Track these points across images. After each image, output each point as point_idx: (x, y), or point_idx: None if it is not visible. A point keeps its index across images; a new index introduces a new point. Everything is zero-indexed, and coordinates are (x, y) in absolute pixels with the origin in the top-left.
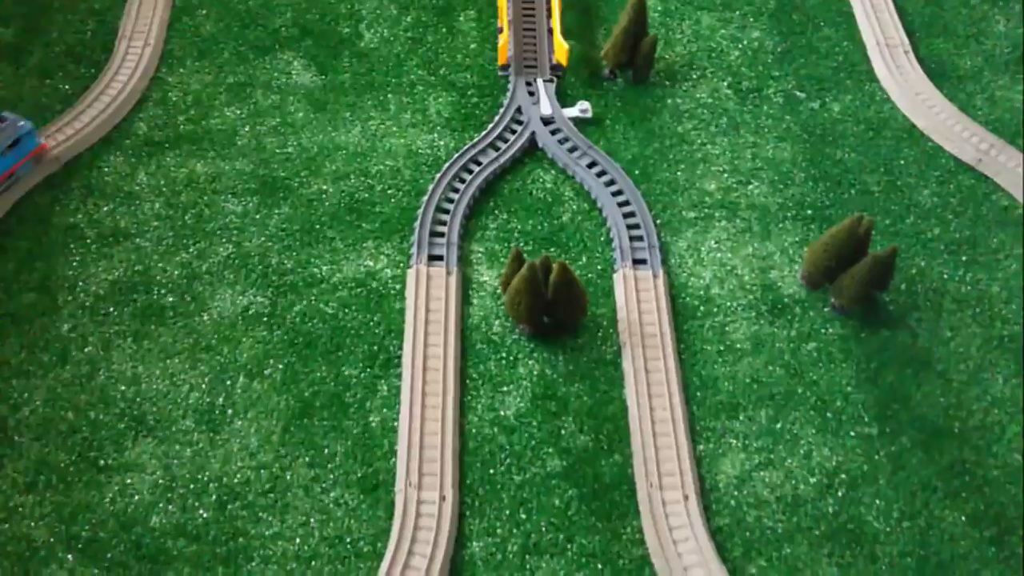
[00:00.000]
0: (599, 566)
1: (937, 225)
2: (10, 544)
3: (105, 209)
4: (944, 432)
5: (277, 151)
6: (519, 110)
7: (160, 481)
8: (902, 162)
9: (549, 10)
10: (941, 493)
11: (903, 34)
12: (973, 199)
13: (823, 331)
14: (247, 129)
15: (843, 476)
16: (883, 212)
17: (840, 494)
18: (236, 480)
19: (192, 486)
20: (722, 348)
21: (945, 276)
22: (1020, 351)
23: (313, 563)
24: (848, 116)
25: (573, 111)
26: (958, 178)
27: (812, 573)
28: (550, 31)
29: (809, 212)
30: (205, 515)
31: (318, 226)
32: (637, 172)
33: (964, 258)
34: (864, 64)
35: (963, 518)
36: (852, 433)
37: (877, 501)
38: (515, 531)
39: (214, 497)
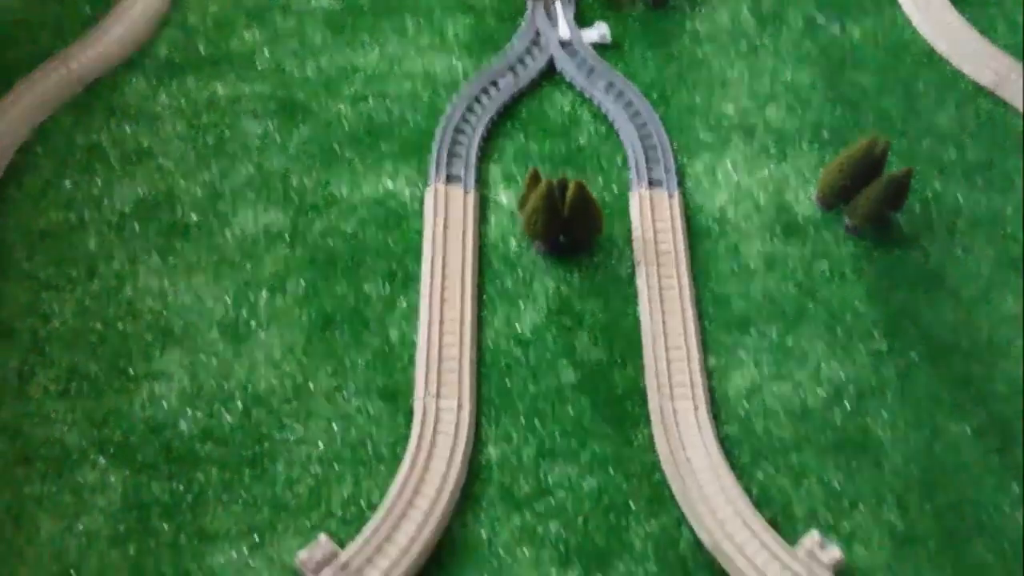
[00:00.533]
0: (610, 470)
1: (953, 148)
2: (44, 448)
3: (128, 130)
4: (952, 348)
5: (296, 73)
6: (537, 33)
7: (187, 389)
8: (921, 86)
9: None
10: (947, 406)
11: None
12: (990, 123)
13: (836, 250)
14: (266, 51)
15: (851, 389)
16: (900, 135)
17: (847, 406)
18: (261, 388)
19: (218, 393)
20: (735, 267)
21: (959, 198)
22: None
23: (336, 466)
24: (868, 40)
25: (591, 33)
26: (976, 102)
27: (817, 479)
28: None
29: (826, 135)
30: (231, 420)
31: (337, 147)
32: (655, 95)
33: (979, 181)
34: None
35: (968, 429)
36: (861, 348)
37: (884, 413)
38: (530, 438)
39: (239, 404)
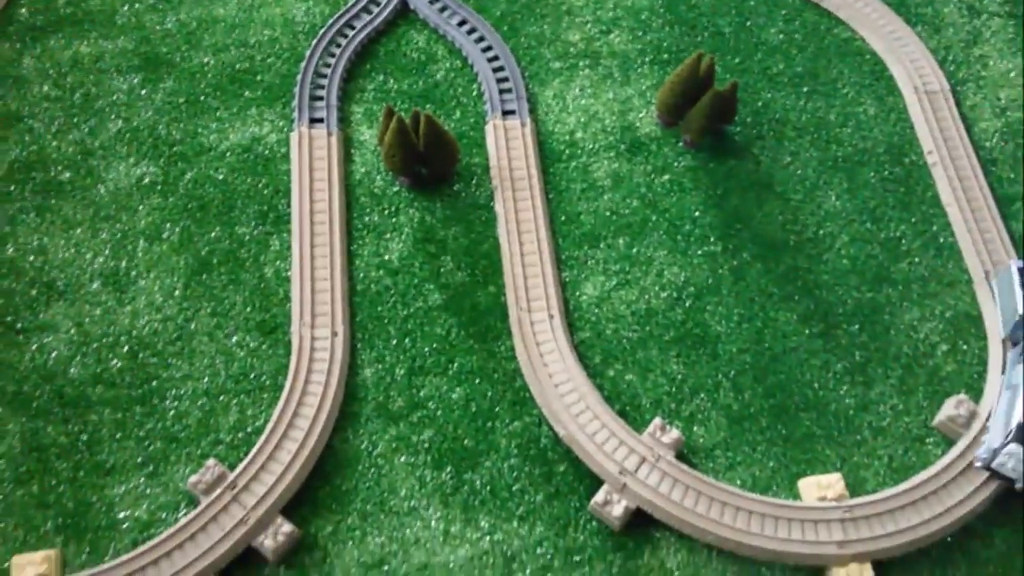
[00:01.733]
0: (477, 380)
1: (782, 60)
2: None
3: None
4: (781, 245)
5: (157, 27)
6: None
7: (75, 338)
8: (752, 3)
9: None
10: (776, 298)
11: None
12: (816, 34)
13: (675, 164)
14: (126, 8)
15: (691, 289)
16: (733, 52)
17: (688, 305)
18: (145, 332)
19: (105, 340)
20: (585, 186)
21: (787, 107)
22: (852, 169)
23: (221, 398)
24: None
25: None
26: (803, 15)
27: (661, 371)
28: None
29: (665, 56)
30: (119, 364)
31: (202, 97)
32: (505, 28)
33: (805, 89)
34: None
35: (795, 317)
36: (699, 252)
37: (720, 308)
38: (402, 357)
39: (126, 348)
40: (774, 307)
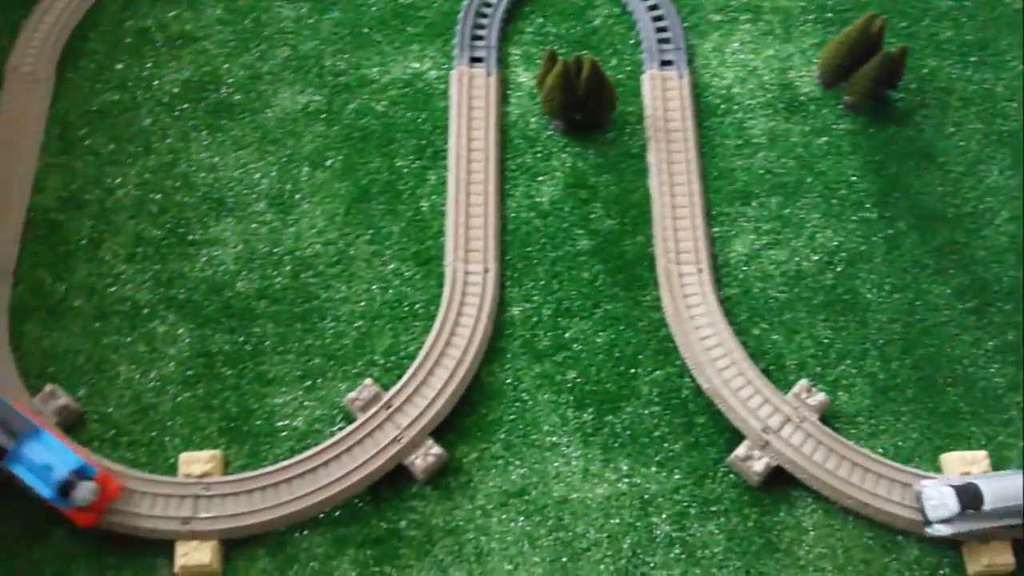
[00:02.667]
0: (621, 327)
1: (950, 27)
2: (117, 304)
3: (171, 14)
4: (939, 217)
5: None
6: None
7: (242, 253)
8: None
9: None
10: (931, 270)
11: None
12: (987, 3)
13: (834, 127)
14: None
15: (842, 254)
16: (900, 15)
17: (839, 270)
18: (307, 253)
19: (270, 258)
20: (740, 143)
21: (953, 76)
22: (1019, 145)
23: (376, 321)
24: None
25: None
26: None
27: (808, 335)
28: None
29: (829, 15)
30: (283, 282)
31: (366, 30)
32: None
33: (973, 59)
34: None
35: (948, 291)
36: (854, 217)
37: (872, 276)
38: (549, 298)
39: (288, 268)
40: (927, 279)
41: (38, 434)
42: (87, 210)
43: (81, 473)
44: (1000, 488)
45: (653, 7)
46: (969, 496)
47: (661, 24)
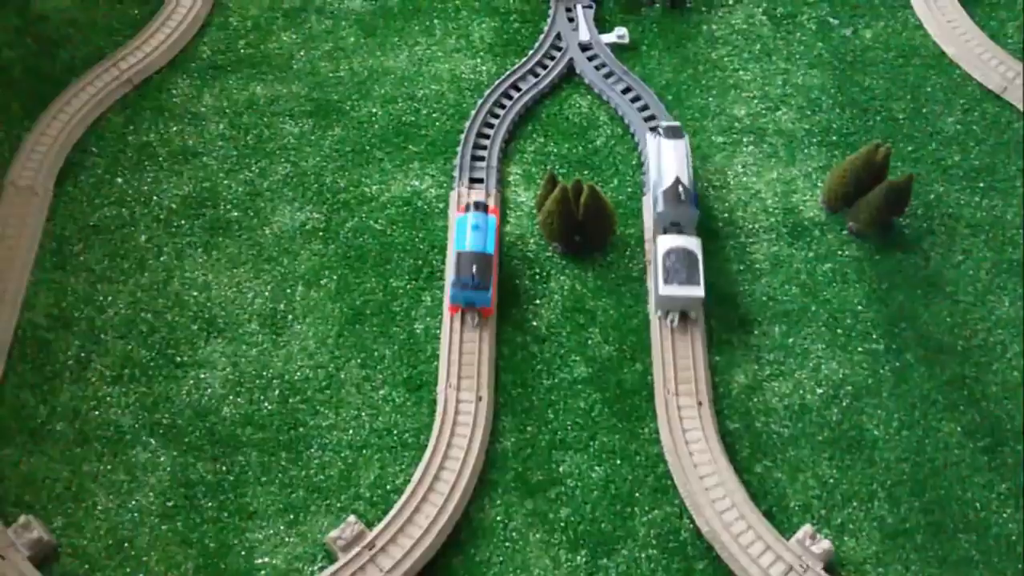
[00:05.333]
0: (618, 461)
1: (958, 152)
2: (100, 429)
3: (174, 129)
4: (947, 349)
5: (330, 75)
6: (558, 36)
7: (230, 377)
8: (929, 89)
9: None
10: (940, 406)
11: None
12: (995, 127)
13: (839, 253)
14: (302, 53)
15: (848, 388)
16: (906, 139)
17: (844, 404)
18: (296, 377)
19: (258, 382)
20: (742, 267)
21: (962, 202)
22: None
23: (364, 451)
24: (879, 43)
25: (610, 37)
26: (983, 106)
27: (813, 473)
28: None
29: (834, 138)
30: (269, 407)
31: (368, 147)
32: (670, 97)
33: (981, 184)
34: None
35: (959, 429)
36: (860, 348)
37: (879, 411)
38: (543, 429)
39: (277, 392)
40: (937, 416)
41: None
42: (76, 329)
43: None
44: None
45: (656, 128)
46: None
47: None
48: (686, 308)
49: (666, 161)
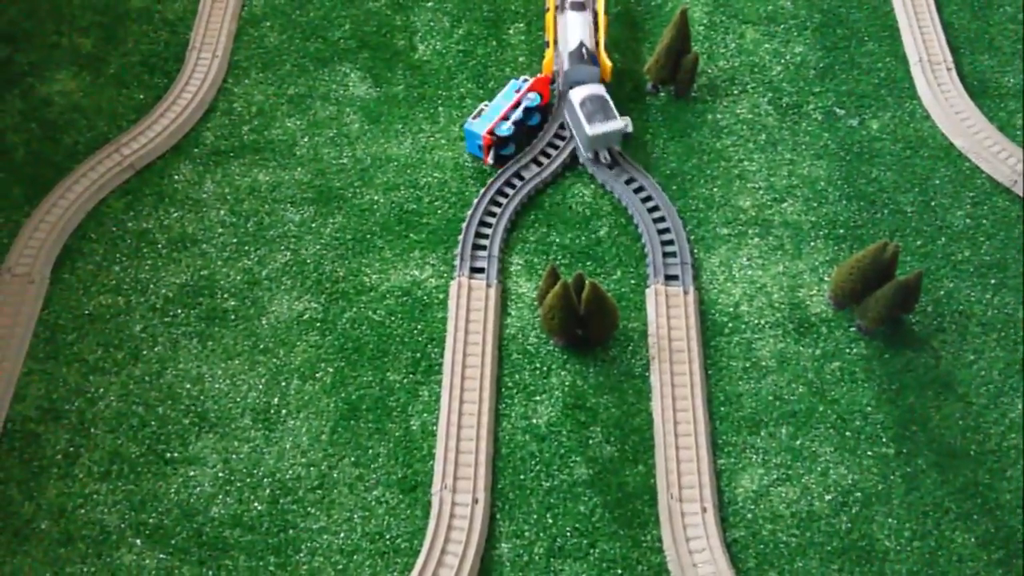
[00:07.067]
0: (619, 571)
1: (968, 247)
2: (85, 528)
3: (175, 215)
4: (960, 454)
5: (333, 162)
6: (562, 125)
7: (220, 474)
8: (937, 182)
9: (596, 26)
10: (953, 515)
11: (947, 50)
12: (1006, 222)
13: (847, 351)
14: (306, 140)
15: (858, 494)
16: (915, 233)
17: (854, 512)
18: (288, 476)
19: (248, 480)
20: (748, 365)
21: (972, 299)
22: None
23: (355, 556)
24: (886, 134)
25: (615, 124)
26: (992, 199)
27: None
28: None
29: (841, 231)
30: (259, 508)
31: (369, 236)
32: (674, 188)
33: (992, 281)
34: (906, 80)
35: (973, 540)
36: (869, 452)
37: (889, 520)
38: (542, 535)
39: (268, 491)
40: (950, 525)
41: None
42: (66, 422)
43: None
44: None
45: (659, 219)
46: None
47: (667, 237)
48: (610, 143)
49: (571, 30)
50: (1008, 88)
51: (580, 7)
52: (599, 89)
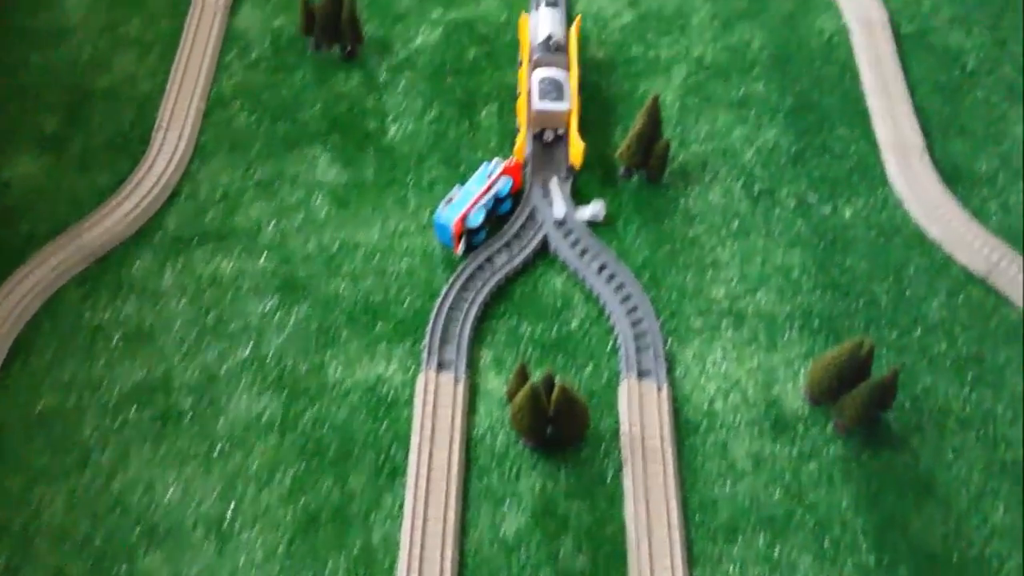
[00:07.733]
0: None
1: (944, 340)
2: None
3: (132, 308)
4: (942, 561)
5: (299, 249)
6: (532, 212)
7: None
8: (912, 271)
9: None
10: None
11: (919, 135)
12: (981, 313)
13: (824, 451)
14: (272, 226)
15: None
16: (890, 325)
17: None
18: None
19: None
20: (723, 467)
21: (950, 394)
22: (1022, 477)
23: None
24: (859, 221)
25: (587, 211)
26: (967, 290)
27: None
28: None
29: (816, 323)
30: None
31: (334, 327)
32: (647, 277)
33: (970, 375)
34: (878, 166)
35: None
36: (849, 562)
37: None
38: None
39: None
40: None
41: None
42: (7, 538)
43: None
44: None
45: (632, 309)
46: None
47: (640, 328)
48: (555, 125)
49: (543, 23)
50: (980, 173)
51: (553, 4)
52: (561, 76)
